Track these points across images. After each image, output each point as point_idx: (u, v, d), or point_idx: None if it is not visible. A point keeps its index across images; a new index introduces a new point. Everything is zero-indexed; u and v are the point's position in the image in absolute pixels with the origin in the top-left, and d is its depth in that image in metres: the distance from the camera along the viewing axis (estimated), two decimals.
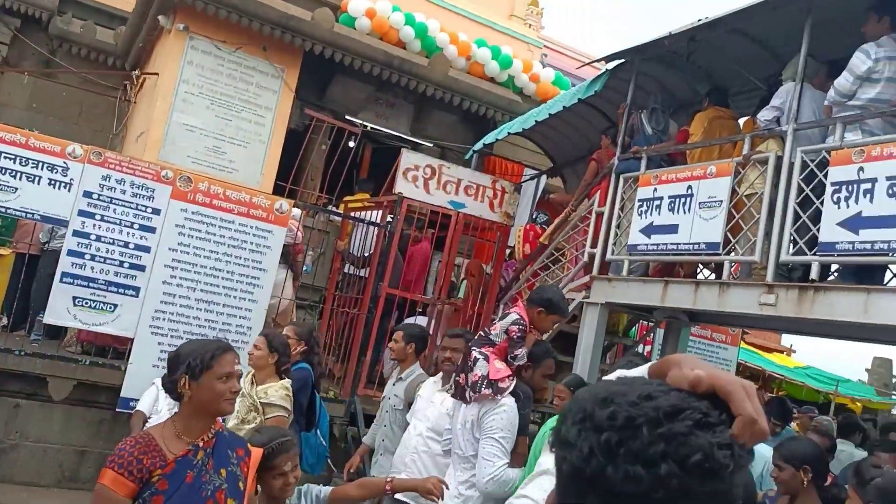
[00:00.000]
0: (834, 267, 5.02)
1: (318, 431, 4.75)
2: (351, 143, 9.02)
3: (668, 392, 0.78)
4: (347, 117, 9.55)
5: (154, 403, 4.88)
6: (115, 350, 6.26)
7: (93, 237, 5.87)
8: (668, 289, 5.69)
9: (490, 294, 7.68)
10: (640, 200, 6.11)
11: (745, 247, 5.25)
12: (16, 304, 6.33)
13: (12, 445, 5.92)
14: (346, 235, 8.21)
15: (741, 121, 6.68)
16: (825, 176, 4.64)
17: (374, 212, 7.93)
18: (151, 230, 6.06)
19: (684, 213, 5.64)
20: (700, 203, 5.52)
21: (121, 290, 5.96)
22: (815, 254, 4.62)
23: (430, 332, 6.95)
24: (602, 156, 7.44)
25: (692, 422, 0.74)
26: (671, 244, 5.72)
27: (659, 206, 5.89)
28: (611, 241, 6.44)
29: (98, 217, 5.89)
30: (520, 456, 3.57)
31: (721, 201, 5.35)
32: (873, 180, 4.34)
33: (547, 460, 2.63)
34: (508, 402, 3.48)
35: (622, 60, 6.71)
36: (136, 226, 6.01)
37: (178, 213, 6.13)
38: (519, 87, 10.23)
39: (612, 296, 6.23)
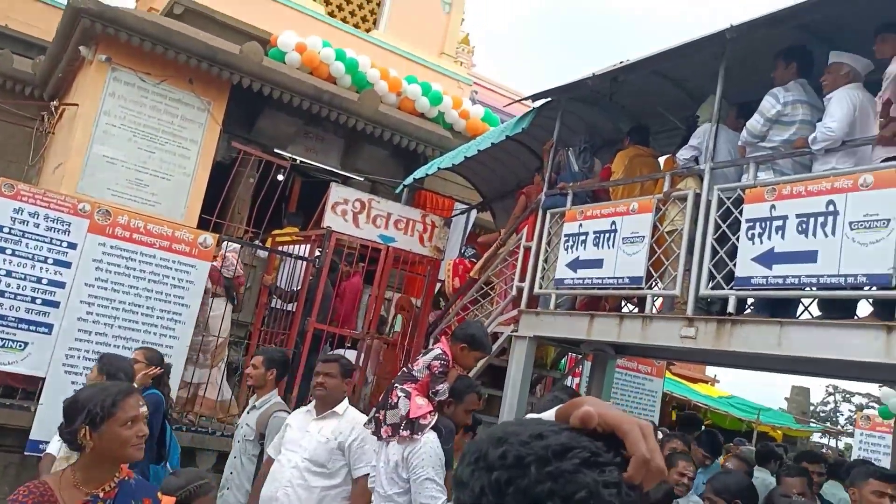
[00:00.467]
0: (750, 300, 5.20)
1: (167, 465, 4.53)
2: (280, 177, 8.92)
3: (559, 432, 0.78)
4: (276, 150, 9.46)
5: (62, 445, 4.64)
6: (25, 391, 5.95)
7: (2, 272, 5.61)
8: (594, 322, 5.78)
9: (420, 328, 7.65)
10: (566, 235, 6.23)
11: (666, 281, 5.39)
12: None
13: None
14: (273, 269, 8.06)
15: (662, 159, 6.91)
16: (740, 213, 4.82)
17: (303, 246, 7.83)
18: (67, 265, 5.83)
19: (608, 248, 5.77)
20: (623, 238, 5.65)
21: (32, 328, 5.69)
22: (731, 288, 4.77)
23: (360, 366, 6.86)
24: (531, 191, 7.57)
25: (580, 460, 0.74)
26: (596, 278, 5.83)
27: (584, 241, 6.00)
28: (538, 275, 6.52)
29: (9, 252, 5.64)
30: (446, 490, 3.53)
31: (643, 237, 5.49)
32: (784, 217, 4.53)
33: None
34: (430, 437, 3.46)
35: (548, 99, 6.88)
36: (50, 260, 5.77)
37: (96, 247, 5.93)
38: (449, 124, 10.37)
39: (540, 329, 6.29)
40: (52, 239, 5.78)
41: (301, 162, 9.73)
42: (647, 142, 6.83)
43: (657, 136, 7.29)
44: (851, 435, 15.30)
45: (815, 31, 5.15)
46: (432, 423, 3.45)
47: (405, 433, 3.45)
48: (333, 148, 10.19)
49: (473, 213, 10.12)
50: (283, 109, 9.14)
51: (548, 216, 6.59)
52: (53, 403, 5.62)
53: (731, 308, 4.73)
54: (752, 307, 5.25)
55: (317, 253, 7.32)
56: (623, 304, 6.51)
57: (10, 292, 5.63)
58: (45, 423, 5.46)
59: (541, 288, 6.48)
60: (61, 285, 5.80)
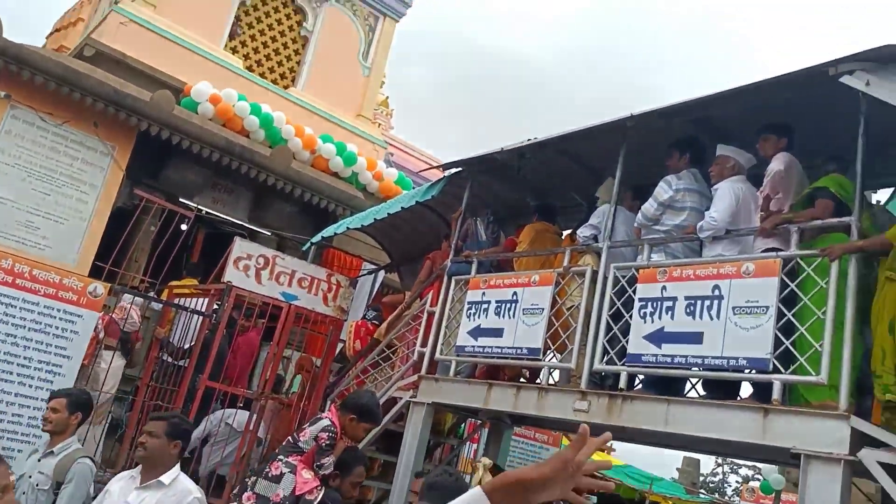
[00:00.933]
0: (641, 377, 5.36)
1: None
2: (183, 227, 8.69)
3: None
4: (183, 200, 9.24)
5: None
6: None
7: None
8: (492, 391, 5.82)
9: (318, 390, 7.48)
10: (469, 303, 6.29)
11: (564, 354, 5.50)
12: None
13: None
14: (167, 322, 7.76)
15: (565, 233, 7.14)
16: (634, 291, 5.02)
17: (201, 299, 7.59)
18: None
19: (509, 318, 5.86)
20: (524, 309, 5.76)
21: None
22: (623, 364, 4.92)
23: (252, 427, 6.63)
24: (437, 256, 7.63)
25: None
26: (496, 347, 5.89)
27: (486, 310, 6.08)
28: (440, 341, 6.53)
29: None
30: None
31: (543, 309, 5.61)
32: (674, 299, 4.74)
33: None
34: None
35: (459, 169, 7.04)
36: None
37: None
38: (362, 184, 10.42)
39: (439, 396, 6.27)
40: None
41: (207, 213, 9.53)
42: (554, 220, 7.05)
43: (562, 212, 7.54)
44: None
45: (705, 125, 5.51)
46: (319, 497, 3.35)
47: None
48: (242, 201, 10.04)
49: (381, 274, 10.11)
50: (191, 159, 8.98)
51: (452, 282, 6.65)
52: None
53: (622, 384, 4.87)
54: (641, 384, 5.41)
55: (215, 307, 7.11)
56: (522, 373, 6.58)
57: None
58: None
59: (442, 354, 6.48)
60: None
